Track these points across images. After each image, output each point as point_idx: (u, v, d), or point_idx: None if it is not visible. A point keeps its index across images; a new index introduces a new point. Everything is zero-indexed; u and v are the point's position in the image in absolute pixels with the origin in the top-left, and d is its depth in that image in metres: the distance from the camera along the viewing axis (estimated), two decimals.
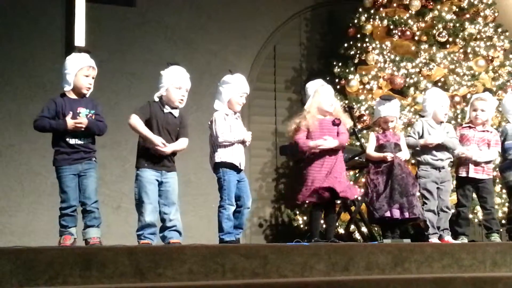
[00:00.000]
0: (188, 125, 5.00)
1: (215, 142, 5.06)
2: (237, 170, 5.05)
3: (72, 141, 4.66)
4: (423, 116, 5.88)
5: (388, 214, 5.40)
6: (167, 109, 4.88)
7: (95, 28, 7.89)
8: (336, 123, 5.32)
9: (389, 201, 5.40)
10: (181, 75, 4.94)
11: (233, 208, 4.98)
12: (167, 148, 4.78)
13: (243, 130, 5.15)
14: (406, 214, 5.38)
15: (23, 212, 7.48)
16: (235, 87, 5.12)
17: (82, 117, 4.66)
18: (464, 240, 5.70)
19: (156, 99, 4.89)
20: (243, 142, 5.11)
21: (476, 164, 5.77)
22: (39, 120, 4.68)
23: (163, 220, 4.79)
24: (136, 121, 4.75)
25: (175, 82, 4.88)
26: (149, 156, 4.77)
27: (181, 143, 4.91)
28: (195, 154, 7.60)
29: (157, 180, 4.77)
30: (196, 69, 8.21)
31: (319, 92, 5.38)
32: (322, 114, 5.36)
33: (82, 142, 4.70)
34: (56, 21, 7.89)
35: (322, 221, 5.55)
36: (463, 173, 5.82)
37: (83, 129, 4.64)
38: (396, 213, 5.40)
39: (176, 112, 4.92)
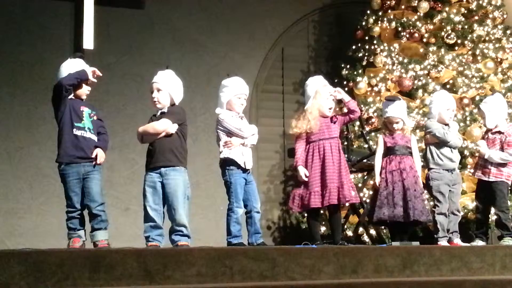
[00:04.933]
0: (172, 112, 4.90)
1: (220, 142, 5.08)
2: (243, 170, 5.05)
3: (78, 132, 4.70)
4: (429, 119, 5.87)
5: (385, 216, 5.41)
6: (158, 112, 4.94)
7: (103, 31, 7.92)
8: (333, 120, 5.33)
9: (376, 214, 5.43)
10: (154, 78, 4.97)
11: (241, 210, 4.98)
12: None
13: (250, 127, 5.19)
14: (411, 216, 5.38)
15: (32, 214, 7.51)
16: (231, 89, 5.13)
17: (100, 154, 4.76)
18: (478, 243, 5.67)
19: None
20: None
21: (484, 166, 5.76)
22: (60, 80, 4.72)
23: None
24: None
25: (150, 88, 4.96)
26: None
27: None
28: (203, 156, 7.66)
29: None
30: (204, 71, 8.28)
31: (320, 94, 5.36)
32: (321, 116, 5.36)
33: (87, 136, 4.74)
34: (65, 24, 7.93)
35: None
36: (475, 174, 5.84)
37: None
38: (399, 214, 5.38)
39: (165, 109, 4.93)
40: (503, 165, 5.73)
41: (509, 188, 5.92)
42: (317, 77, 5.55)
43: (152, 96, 4.91)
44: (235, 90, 5.13)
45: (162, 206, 4.80)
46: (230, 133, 5.05)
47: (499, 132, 5.82)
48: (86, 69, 4.85)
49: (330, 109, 5.35)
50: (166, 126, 4.80)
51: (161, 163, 4.76)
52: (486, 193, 5.80)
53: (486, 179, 5.74)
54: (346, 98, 5.38)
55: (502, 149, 5.75)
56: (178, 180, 4.77)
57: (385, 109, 5.68)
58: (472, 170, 6.31)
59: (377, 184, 5.50)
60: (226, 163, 5.03)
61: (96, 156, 4.75)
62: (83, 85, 4.84)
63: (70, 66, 4.82)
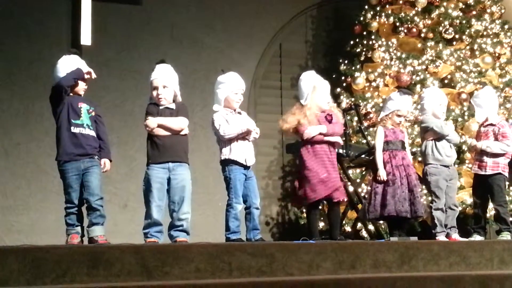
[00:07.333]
0: (186, 112, 4.96)
1: (219, 141, 5.09)
2: (244, 166, 5.04)
3: (76, 130, 4.71)
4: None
5: (393, 212, 5.40)
6: (162, 106, 4.92)
7: (101, 27, 7.90)
8: (327, 119, 5.31)
9: (381, 209, 5.42)
10: (154, 74, 4.95)
11: (241, 206, 4.98)
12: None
13: (246, 122, 5.12)
14: (418, 212, 5.40)
15: (31, 211, 7.51)
16: (228, 85, 5.11)
17: (107, 164, 4.90)
18: (476, 237, 5.67)
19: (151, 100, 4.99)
20: (247, 134, 5.07)
21: (480, 160, 5.76)
22: (59, 80, 4.73)
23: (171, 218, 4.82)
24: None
25: (152, 83, 4.93)
26: None
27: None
28: (201, 152, 7.65)
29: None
30: (202, 68, 8.27)
31: (318, 89, 5.32)
32: (318, 111, 5.34)
33: (86, 133, 4.75)
34: (63, 21, 7.91)
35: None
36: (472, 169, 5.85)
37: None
38: (407, 210, 5.38)
39: (172, 105, 4.93)
40: (499, 156, 5.72)
41: (506, 181, 5.92)
42: (311, 72, 5.52)
43: (158, 92, 4.86)
44: (232, 86, 5.12)
45: (165, 202, 4.82)
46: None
47: (491, 125, 5.82)
48: (81, 66, 4.84)
49: (328, 103, 5.35)
50: (185, 125, 4.90)
51: (170, 158, 4.78)
52: (483, 188, 5.80)
53: (483, 173, 5.74)
54: (323, 130, 5.24)
55: (496, 141, 5.75)
56: (185, 175, 4.83)
57: (396, 101, 5.64)
58: (470, 165, 6.32)
59: (383, 178, 5.47)
60: (227, 161, 5.03)
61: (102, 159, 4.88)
62: (79, 83, 4.84)
63: (66, 64, 4.81)
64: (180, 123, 4.87)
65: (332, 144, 5.28)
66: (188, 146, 4.96)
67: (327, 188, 5.14)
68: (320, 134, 5.21)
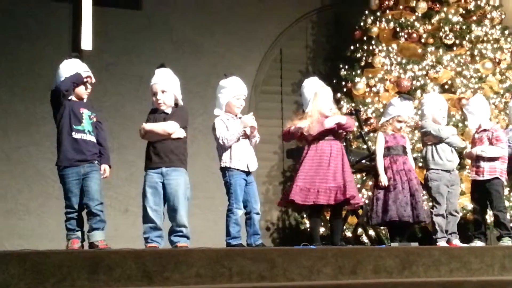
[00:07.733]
0: (180, 115, 4.89)
1: (219, 147, 5.06)
2: (245, 172, 5.03)
3: (78, 135, 4.71)
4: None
5: (395, 217, 5.40)
6: (159, 111, 4.90)
7: (101, 31, 7.93)
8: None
9: (383, 215, 5.42)
10: (153, 79, 4.93)
11: (241, 212, 4.96)
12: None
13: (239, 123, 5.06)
14: (420, 218, 5.40)
15: (31, 215, 7.51)
16: (230, 90, 5.09)
17: (107, 170, 4.92)
18: (477, 243, 5.66)
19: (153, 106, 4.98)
20: (248, 137, 5.05)
21: (476, 166, 5.76)
22: (57, 84, 4.75)
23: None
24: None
25: (151, 88, 4.92)
26: None
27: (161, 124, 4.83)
28: (202, 157, 7.66)
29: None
30: (202, 72, 8.28)
31: (319, 95, 5.30)
32: (321, 117, 5.32)
33: (87, 139, 4.75)
34: (64, 24, 7.94)
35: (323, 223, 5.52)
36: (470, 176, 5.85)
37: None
38: (409, 214, 5.38)
39: (168, 110, 4.90)
40: (495, 161, 5.71)
41: (504, 186, 5.91)
42: (313, 78, 5.52)
43: (157, 98, 4.84)
44: (233, 91, 5.10)
45: (162, 207, 4.80)
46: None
47: (485, 130, 5.83)
48: (81, 70, 4.84)
49: (330, 109, 5.33)
50: (175, 129, 4.81)
51: (162, 163, 4.75)
52: (482, 194, 5.79)
53: (480, 178, 5.73)
54: (343, 120, 5.21)
55: (491, 145, 5.75)
56: (179, 180, 4.77)
57: (397, 107, 5.64)
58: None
59: (384, 184, 5.46)
60: (227, 168, 5.00)
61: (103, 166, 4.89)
62: (81, 88, 4.84)
63: (67, 68, 4.82)
64: (165, 127, 4.79)
65: (337, 142, 5.25)
66: (186, 150, 4.92)
67: (293, 194, 5.10)
68: (339, 124, 5.17)
